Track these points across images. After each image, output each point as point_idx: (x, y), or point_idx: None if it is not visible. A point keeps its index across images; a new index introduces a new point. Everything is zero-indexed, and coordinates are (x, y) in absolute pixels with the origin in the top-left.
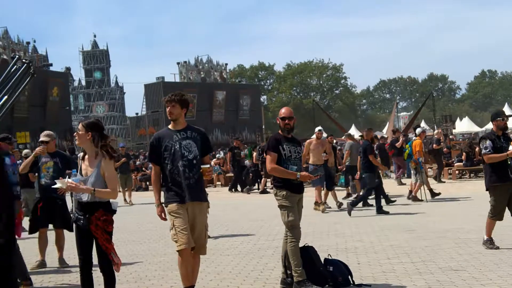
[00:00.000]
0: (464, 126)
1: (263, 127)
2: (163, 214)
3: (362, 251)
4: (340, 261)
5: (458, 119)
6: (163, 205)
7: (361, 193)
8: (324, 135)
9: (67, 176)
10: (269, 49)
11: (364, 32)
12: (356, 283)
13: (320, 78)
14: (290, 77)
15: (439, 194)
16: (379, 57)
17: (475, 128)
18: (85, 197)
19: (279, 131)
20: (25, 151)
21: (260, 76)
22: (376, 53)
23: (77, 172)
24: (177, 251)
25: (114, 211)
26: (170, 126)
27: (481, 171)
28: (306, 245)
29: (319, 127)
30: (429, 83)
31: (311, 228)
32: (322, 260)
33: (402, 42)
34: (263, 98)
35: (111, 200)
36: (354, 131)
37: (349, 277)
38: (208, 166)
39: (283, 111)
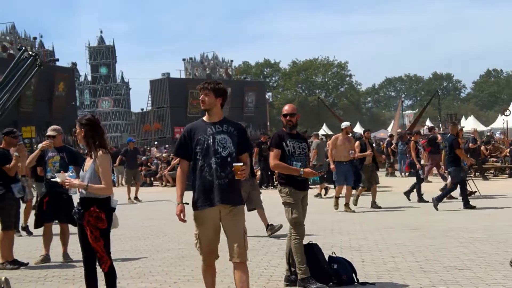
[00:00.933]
0: (469, 124)
1: (268, 124)
2: (182, 215)
3: (366, 249)
4: (344, 259)
5: (463, 118)
6: (191, 207)
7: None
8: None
9: (70, 172)
10: (274, 46)
11: (369, 30)
12: (360, 281)
13: (325, 75)
14: (295, 74)
15: (474, 192)
16: (384, 55)
17: (480, 127)
18: (83, 192)
19: (283, 128)
20: (40, 145)
21: (265, 73)
22: (381, 51)
23: (73, 169)
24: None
25: (113, 209)
26: (204, 118)
27: (485, 170)
28: (310, 242)
29: (347, 122)
30: (434, 82)
31: (315, 225)
32: (326, 257)
33: (407, 41)
34: (268, 95)
35: (112, 198)
36: (358, 129)
37: (353, 275)
38: (241, 164)
39: (286, 107)
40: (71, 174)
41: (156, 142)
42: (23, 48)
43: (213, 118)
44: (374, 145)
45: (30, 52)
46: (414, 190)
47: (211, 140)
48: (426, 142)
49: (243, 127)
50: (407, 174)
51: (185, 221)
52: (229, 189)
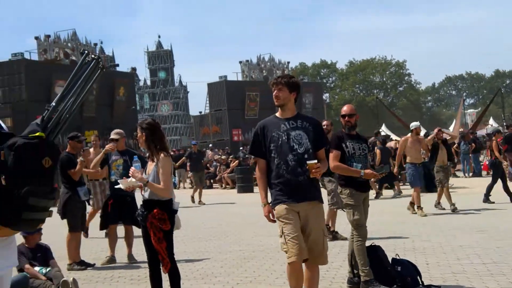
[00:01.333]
0: None
1: None
2: (270, 215)
3: (430, 252)
4: (408, 261)
5: None
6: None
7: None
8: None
9: (135, 160)
10: (331, 46)
11: (427, 28)
12: (425, 284)
13: (383, 75)
14: (352, 74)
15: None
16: (444, 53)
17: None
18: (146, 195)
19: (342, 129)
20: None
21: (322, 74)
22: (440, 49)
23: (138, 160)
24: (288, 262)
25: (175, 211)
26: (277, 114)
27: None
28: (373, 244)
29: (417, 123)
30: (496, 80)
31: (377, 227)
32: (390, 260)
33: (468, 38)
34: (326, 96)
35: (173, 200)
36: None
37: (418, 277)
38: (315, 161)
39: (344, 108)
40: (136, 164)
41: (211, 145)
42: (86, 51)
43: (286, 114)
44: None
45: (93, 56)
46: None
47: (286, 137)
48: (502, 140)
49: (319, 122)
50: (470, 174)
51: (274, 221)
52: (309, 186)
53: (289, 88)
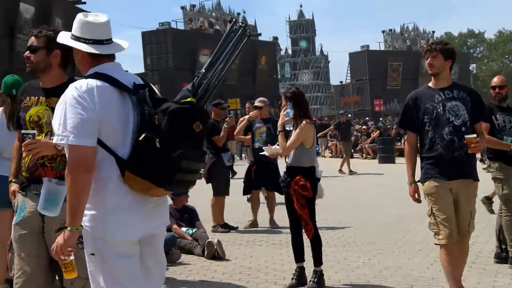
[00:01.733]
0: None
1: None
2: (416, 195)
3: None
4: None
5: None
6: (419, 183)
7: None
8: None
9: (277, 144)
10: (479, 15)
11: None
12: None
13: None
14: (502, 44)
15: None
16: None
17: None
18: (289, 161)
19: (492, 101)
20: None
21: (469, 43)
22: None
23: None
24: (439, 244)
25: (317, 179)
26: (430, 84)
27: None
28: None
29: None
30: None
31: None
32: None
33: None
34: (472, 66)
35: (317, 169)
36: None
37: None
38: (474, 136)
39: (495, 79)
40: (288, 110)
41: (350, 115)
42: (233, 19)
43: (441, 84)
44: None
45: (240, 23)
46: None
47: (441, 108)
48: None
49: (477, 92)
50: None
51: (419, 201)
52: (466, 162)
53: (444, 55)
